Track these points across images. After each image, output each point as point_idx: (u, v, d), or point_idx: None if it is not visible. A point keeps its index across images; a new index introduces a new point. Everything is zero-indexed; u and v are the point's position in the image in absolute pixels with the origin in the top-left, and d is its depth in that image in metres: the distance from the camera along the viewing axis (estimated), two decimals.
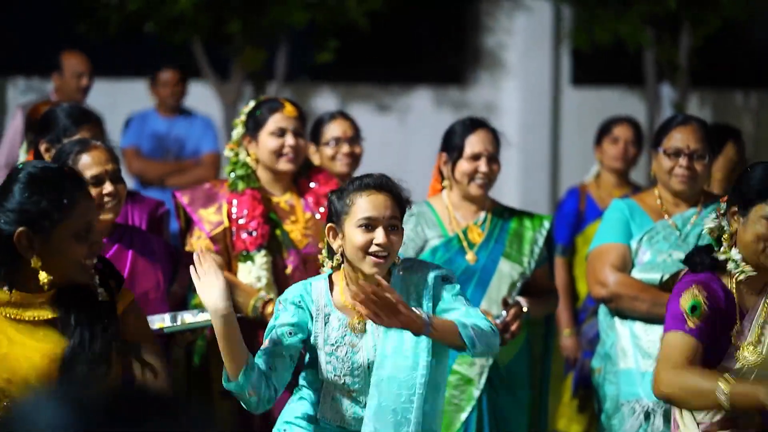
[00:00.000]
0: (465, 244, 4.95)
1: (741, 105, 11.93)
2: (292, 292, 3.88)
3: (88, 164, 4.37)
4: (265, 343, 3.82)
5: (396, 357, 3.81)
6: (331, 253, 3.92)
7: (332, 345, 3.84)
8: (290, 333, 3.81)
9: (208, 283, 3.70)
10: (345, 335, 3.84)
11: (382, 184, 3.85)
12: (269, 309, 4.93)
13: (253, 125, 5.07)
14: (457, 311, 3.80)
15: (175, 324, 4.37)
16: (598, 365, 5.04)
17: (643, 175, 9.97)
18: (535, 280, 5.02)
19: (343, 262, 3.88)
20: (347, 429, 3.88)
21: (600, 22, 10.50)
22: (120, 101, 8.90)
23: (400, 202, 3.86)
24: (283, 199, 5.12)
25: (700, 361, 3.76)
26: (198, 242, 5.01)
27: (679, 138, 4.85)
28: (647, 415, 4.79)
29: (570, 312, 6.60)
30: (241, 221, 5.01)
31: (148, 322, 3.83)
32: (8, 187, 3.37)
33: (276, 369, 3.76)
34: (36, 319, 3.41)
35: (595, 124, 7.34)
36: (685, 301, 3.82)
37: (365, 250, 3.80)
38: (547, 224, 5.07)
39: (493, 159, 4.95)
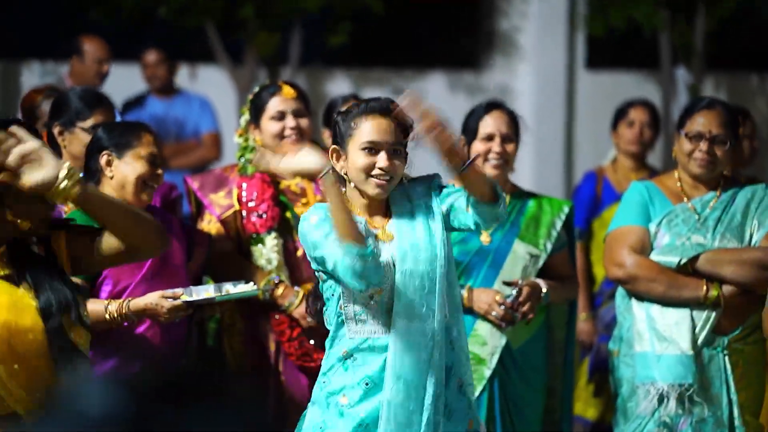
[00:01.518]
0: None
1: (756, 87, 11.87)
2: (317, 208, 3.90)
3: (150, 142, 4.52)
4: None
5: (415, 251, 3.87)
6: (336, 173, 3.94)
7: None
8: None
9: (299, 154, 3.84)
10: (368, 236, 3.86)
11: (386, 108, 3.89)
12: (279, 291, 4.94)
13: (255, 112, 5.09)
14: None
15: (221, 293, 4.42)
16: (615, 348, 5.04)
17: (660, 159, 9.94)
18: (555, 265, 5.02)
19: (347, 182, 3.92)
20: (378, 337, 3.88)
21: (615, 6, 10.45)
22: (133, 86, 8.89)
23: (404, 128, 3.90)
24: (294, 182, 5.13)
25: None
26: (208, 226, 5.03)
27: (701, 122, 4.83)
28: (661, 399, 4.78)
29: (586, 296, 6.58)
30: (251, 204, 5.02)
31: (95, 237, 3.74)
32: None
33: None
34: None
35: (610, 108, 7.31)
36: None
37: (368, 172, 3.86)
38: (566, 209, 5.07)
39: (508, 139, 4.96)
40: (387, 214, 3.97)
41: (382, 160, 3.85)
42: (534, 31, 11.33)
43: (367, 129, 3.86)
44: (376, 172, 3.85)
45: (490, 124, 4.96)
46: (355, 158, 3.87)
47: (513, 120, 5.03)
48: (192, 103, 8.62)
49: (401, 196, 3.97)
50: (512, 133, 4.99)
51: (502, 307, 4.82)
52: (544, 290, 4.87)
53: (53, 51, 10.15)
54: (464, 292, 4.83)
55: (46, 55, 10.27)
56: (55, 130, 4.80)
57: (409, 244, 3.88)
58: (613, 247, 4.90)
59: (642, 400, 4.82)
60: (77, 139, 4.75)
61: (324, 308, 3.99)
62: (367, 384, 3.87)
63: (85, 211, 3.29)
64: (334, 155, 3.92)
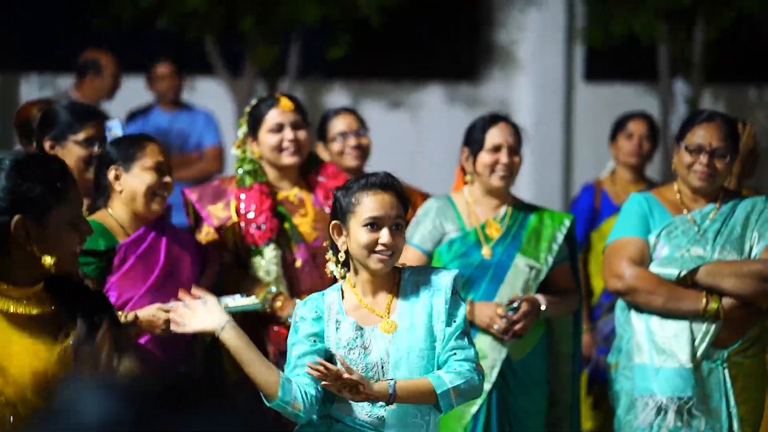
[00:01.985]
0: (482, 238, 4.96)
1: (755, 100, 11.88)
2: (308, 305, 3.90)
3: (154, 151, 4.59)
4: (291, 358, 3.85)
5: (410, 358, 3.83)
6: (335, 250, 3.92)
7: (344, 348, 3.85)
8: (314, 341, 3.84)
9: (193, 315, 3.88)
10: (356, 338, 3.85)
11: (387, 183, 3.87)
12: (278, 303, 4.94)
13: (253, 124, 5.09)
14: (452, 358, 3.83)
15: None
16: (614, 360, 5.03)
17: (659, 171, 9.94)
18: (556, 278, 5.02)
19: (347, 259, 3.90)
20: (365, 427, 3.88)
21: (614, 17, 10.47)
22: (133, 98, 8.89)
23: (403, 201, 3.89)
24: (292, 193, 5.12)
25: None
26: (205, 238, 5.03)
27: (701, 135, 4.82)
28: (659, 411, 4.77)
29: (585, 308, 6.58)
30: (250, 215, 5.02)
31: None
32: None
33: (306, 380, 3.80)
34: (27, 313, 3.26)
35: (608, 120, 7.31)
36: None
37: (371, 249, 3.82)
38: (567, 222, 5.07)
39: (514, 151, 4.98)
40: (394, 294, 3.91)
41: (384, 236, 3.82)
42: (532, 43, 11.34)
43: (369, 205, 3.84)
44: (378, 248, 3.82)
45: (497, 135, 4.96)
46: (358, 234, 3.83)
47: (517, 132, 5.04)
48: (196, 117, 8.63)
49: (413, 288, 3.90)
50: (517, 145, 5.01)
51: (504, 320, 4.81)
52: (543, 307, 4.87)
53: (52, 63, 10.16)
54: (466, 306, 4.82)
55: (45, 67, 10.27)
56: (46, 144, 4.76)
57: (407, 352, 3.84)
58: (612, 259, 4.89)
59: (641, 412, 4.81)
60: (70, 153, 4.71)
61: None
62: None
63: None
64: (335, 231, 3.89)
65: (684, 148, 4.85)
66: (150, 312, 4.37)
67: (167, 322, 4.34)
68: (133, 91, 8.72)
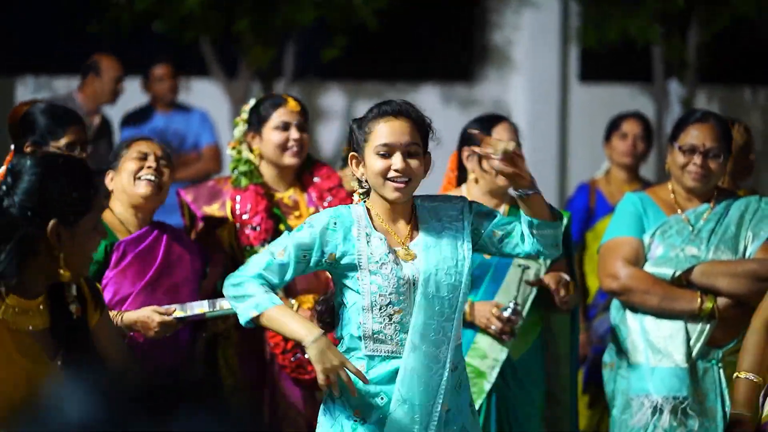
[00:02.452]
0: None
1: (749, 101, 11.90)
2: (331, 215, 3.88)
3: (140, 145, 4.66)
4: (279, 252, 3.85)
5: (439, 276, 3.86)
6: (359, 182, 3.95)
7: (377, 263, 3.84)
8: (304, 256, 3.84)
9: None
10: (389, 253, 3.85)
11: (400, 110, 3.87)
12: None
13: (257, 121, 5.09)
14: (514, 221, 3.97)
15: (214, 309, 4.42)
16: (610, 360, 5.04)
17: (653, 171, 9.95)
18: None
19: (369, 189, 3.92)
20: (396, 356, 3.87)
21: (608, 19, 10.48)
22: (130, 99, 8.89)
23: (421, 127, 3.88)
24: (287, 195, 5.13)
25: None
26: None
27: (695, 135, 4.83)
28: (655, 411, 4.78)
29: (580, 308, 6.59)
30: (245, 216, 5.03)
31: (118, 332, 3.82)
32: (22, 178, 3.11)
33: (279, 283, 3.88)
34: (27, 329, 3.17)
35: (603, 121, 7.33)
36: None
37: (384, 176, 3.83)
38: (564, 220, 5.07)
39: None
40: (413, 224, 3.94)
41: (397, 162, 3.82)
42: (527, 44, 11.35)
43: (381, 132, 3.84)
44: (392, 174, 3.83)
45: (503, 135, 4.95)
46: (372, 163, 3.84)
47: (517, 132, 5.06)
48: (192, 117, 8.64)
49: (430, 213, 3.94)
50: (519, 145, 5.01)
51: (499, 319, 4.83)
52: (568, 278, 4.92)
53: (48, 65, 10.16)
54: (466, 307, 4.85)
55: (41, 69, 10.28)
56: (27, 149, 4.70)
57: (435, 268, 3.87)
58: (607, 259, 4.90)
59: (636, 412, 4.82)
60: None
61: (335, 317, 3.97)
62: (382, 399, 3.87)
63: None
64: (353, 162, 3.91)
65: (678, 149, 4.86)
66: (144, 314, 4.38)
67: (161, 324, 4.35)
68: (130, 93, 8.73)
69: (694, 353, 4.78)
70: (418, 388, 3.82)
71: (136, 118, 8.59)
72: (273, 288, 3.86)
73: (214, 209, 5.09)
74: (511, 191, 3.93)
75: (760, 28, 11.27)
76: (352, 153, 3.91)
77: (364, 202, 3.94)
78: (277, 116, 5.06)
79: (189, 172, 8.37)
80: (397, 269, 3.85)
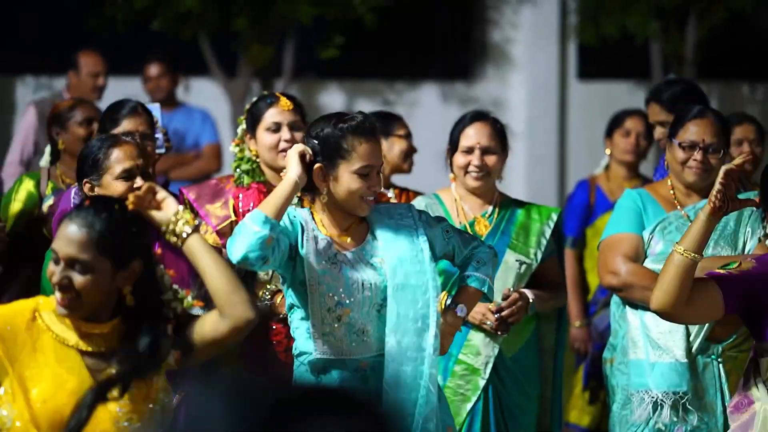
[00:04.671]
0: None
1: (747, 97, 11.92)
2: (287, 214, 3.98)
3: (120, 158, 4.47)
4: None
5: (404, 264, 3.92)
6: (312, 192, 3.96)
7: (327, 262, 3.92)
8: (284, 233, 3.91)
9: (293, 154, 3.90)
10: (337, 254, 3.94)
11: (375, 128, 3.97)
12: (277, 300, 4.96)
13: (251, 121, 5.09)
14: (463, 255, 4.08)
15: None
16: (610, 356, 5.05)
17: (653, 168, 9.97)
18: (543, 273, 5.02)
19: (325, 200, 3.95)
20: (348, 358, 3.93)
21: (606, 16, 10.49)
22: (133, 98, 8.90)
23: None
24: None
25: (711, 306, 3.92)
26: (207, 236, 5.04)
27: (694, 131, 4.84)
28: (655, 406, 4.80)
29: (580, 304, 6.61)
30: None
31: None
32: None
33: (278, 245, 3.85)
34: (97, 351, 3.32)
35: (602, 118, 7.34)
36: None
37: (361, 195, 3.90)
38: (555, 216, 5.08)
39: (488, 151, 4.96)
40: (365, 227, 4.03)
41: (375, 181, 3.91)
42: (526, 41, 11.37)
43: (364, 153, 3.89)
44: (368, 193, 3.91)
45: (470, 136, 4.95)
46: (350, 181, 3.89)
47: (496, 131, 5.01)
48: (193, 116, 8.64)
49: (382, 213, 4.02)
50: (495, 144, 4.97)
51: (496, 315, 4.84)
52: (531, 299, 4.89)
53: (47, 65, 10.17)
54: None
55: (40, 69, 10.29)
56: (86, 187, 4.80)
57: (398, 259, 3.91)
58: (607, 255, 4.91)
59: (636, 407, 4.84)
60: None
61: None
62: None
63: (189, 257, 3.42)
64: (320, 173, 3.93)
65: (677, 145, 4.87)
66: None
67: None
68: (131, 93, 8.74)
69: (693, 348, 4.80)
70: (403, 379, 3.86)
71: None
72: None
73: (216, 207, 5.10)
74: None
75: (758, 24, 11.28)
76: (318, 165, 3.92)
77: (309, 208, 4.02)
78: (269, 117, 5.04)
79: (190, 171, 8.38)
80: (345, 269, 3.91)
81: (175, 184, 7.73)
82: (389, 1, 10.07)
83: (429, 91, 11.17)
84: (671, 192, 4.96)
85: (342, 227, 4.00)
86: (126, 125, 5.10)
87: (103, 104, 8.16)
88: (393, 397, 3.85)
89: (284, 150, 5.02)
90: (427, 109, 11.11)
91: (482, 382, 4.91)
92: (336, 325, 3.92)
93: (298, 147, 3.96)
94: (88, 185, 4.50)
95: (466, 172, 4.96)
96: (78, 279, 3.23)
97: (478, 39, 11.46)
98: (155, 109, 5.19)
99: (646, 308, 4.84)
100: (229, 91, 9.94)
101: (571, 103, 11.52)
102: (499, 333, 4.87)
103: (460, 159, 4.97)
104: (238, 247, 3.76)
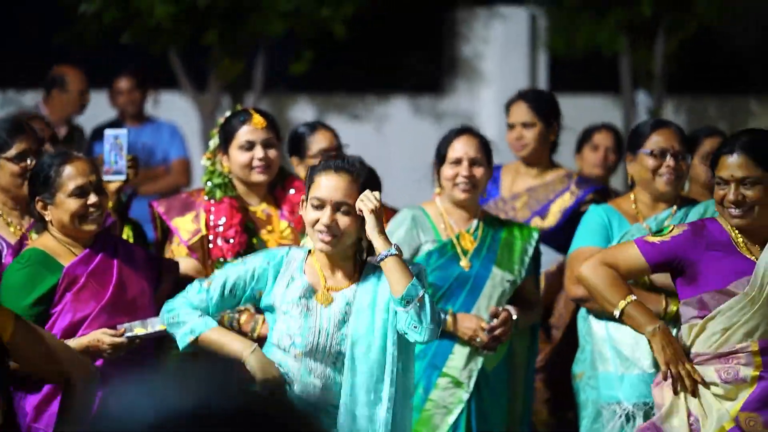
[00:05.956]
0: (459, 250, 5.00)
1: (716, 111, 11.98)
2: (263, 254, 4.19)
3: (71, 175, 4.40)
4: (207, 283, 4.16)
5: (368, 337, 4.00)
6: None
7: (288, 303, 4.05)
8: (231, 291, 4.14)
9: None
10: (302, 298, 4.04)
11: (343, 166, 4.04)
12: (243, 317, 4.93)
13: (224, 138, 5.06)
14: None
15: (147, 330, 4.37)
16: (579, 371, 5.06)
17: (622, 182, 10.00)
18: (523, 290, 5.10)
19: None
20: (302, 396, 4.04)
21: (576, 29, 10.54)
22: (98, 113, 8.87)
23: (362, 186, 4.04)
24: (260, 209, 5.11)
25: (635, 271, 4.24)
26: (177, 248, 5.01)
27: (662, 139, 4.91)
28: (628, 418, 4.80)
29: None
30: (219, 229, 5.01)
31: (40, 337, 3.81)
32: None
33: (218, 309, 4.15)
34: None
35: (572, 132, 7.36)
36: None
37: (312, 227, 4.03)
38: (536, 235, 5.15)
39: (476, 163, 5.02)
40: (354, 279, 4.11)
41: (324, 216, 4.00)
42: (496, 56, 11.40)
43: (318, 184, 4.04)
44: (319, 227, 4.00)
45: (458, 148, 5.01)
46: (307, 211, 4.06)
47: (483, 144, 5.09)
48: (162, 130, 8.61)
49: (374, 270, 4.09)
50: (482, 157, 5.05)
51: (486, 332, 4.91)
52: (515, 316, 4.95)
53: (16, 80, 10.12)
54: (448, 317, 4.93)
55: (8, 84, 10.24)
56: None
57: (365, 330, 4.01)
58: (573, 267, 4.93)
59: (608, 421, 4.85)
60: (2, 171, 4.64)
61: None
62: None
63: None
64: (303, 205, 4.12)
65: (648, 154, 4.90)
66: (94, 337, 4.31)
67: (111, 345, 4.31)
68: (98, 107, 8.70)
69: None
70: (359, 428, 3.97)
71: (104, 132, 8.55)
72: (208, 313, 4.15)
73: (186, 220, 5.06)
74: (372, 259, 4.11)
75: (726, 39, 11.35)
76: (303, 197, 4.13)
77: (309, 247, 4.17)
78: (242, 135, 5.00)
79: (158, 185, 8.35)
80: (305, 314, 4.03)
81: (144, 199, 7.71)
82: (358, 15, 10.07)
83: (399, 104, 11.19)
84: (633, 206, 4.99)
85: (330, 267, 4.13)
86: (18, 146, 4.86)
87: (85, 123, 8.16)
88: None
89: (258, 167, 5.01)
90: (397, 122, 11.12)
91: (465, 396, 4.98)
92: (289, 359, 4.08)
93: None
94: (40, 203, 4.43)
95: (454, 184, 5.00)
96: None
97: (449, 53, 11.48)
98: (123, 135, 5.08)
99: (611, 319, 4.85)
100: (199, 106, 9.92)
101: None
102: (487, 351, 4.93)
103: (448, 171, 5.01)
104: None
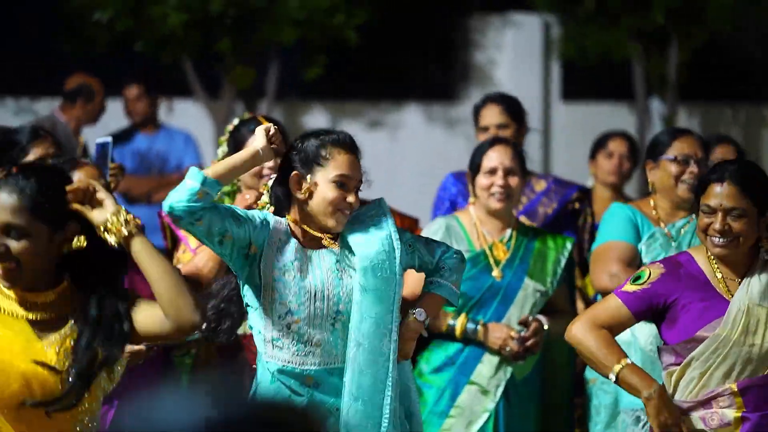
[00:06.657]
0: (491, 260, 5.00)
1: (730, 119, 11.96)
2: (262, 212, 3.96)
3: (37, 152, 4.49)
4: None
5: (374, 270, 3.88)
6: (278, 201, 3.97)
7: (281, 269, 3.88)
8: (238, 219, 3.84)
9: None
10: (295, 261, 3.89)
11: (355, 146, 3.97)
12: None
13: (233, 146, 5.06)
14: (431, 265, 4.01)
15: None
16: (592, 376, 5.04)
17: (636, 189, 9.99)
18: (555, 299, 5.09)
19: (299, 209, 3.93)
20: (296, 369, 3.90)
21: (589, 36, 10.53)
22: (111, 122, 8.88)
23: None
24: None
25: (622, 323, 4.09)
26: (183, 256, 5.01)
27: (686, 146, 4.92)
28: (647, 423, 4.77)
29: None
30: None
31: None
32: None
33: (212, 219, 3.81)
34: (48, 318, 3.32)
35: (585, 139, 7.35)
36: (639, 270, 4.12)
37: (336, 206, 3.87)
38: (569, 246, 5.14)
39: (511, 172, 5.03)
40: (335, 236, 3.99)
41: (352, 196, 3.90)
42: (509, 63, 11.39)
43: (342, 162, 3.89)
44: (344, 206, 3.88)
45: (493, 158, 5.03)
46: (325, 189, 3.88)
47: (517, 154, 5.10)
48: (175, 138, 8.63)
49: (352, 221, 3.97)
50: (516, 166, 5.05)
51: (516, 342, 4.92)
52: (546, 327, 4.94)
53: (28, 88, 10.14)
54: (479, 327, 4.93)
55: (21, 92, 10.26)
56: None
57: (370, 262, 3.89)
58: (602, 259, 4.91)
59: (628, 427, 4.81)
60: None
61: (227, 326, 4.06)
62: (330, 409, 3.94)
63: (134, 258, 3.34)
64: (295, 181, 3.92)
65: (671, 160, 4.90)
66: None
67: (132, 353, 4.30)
68: (111, 115, 8.72)
69: None
70: (366, 384, 3.85)
71: (118, 139, 8.57)
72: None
73: None
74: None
75: (739, 46, 11.33)
76: (295, 172, 3.91)
77: (285, 216, 3.98)
78: (251, 143, 5.02)
79: None
80: (300, 278, 3.88)
81: (154, 208, 7.71)
82: (371, 22, 10.08)
83: (412, 112, 11.18)
84: (654, 212, 4.97)
85: (315, 236, 3.98)
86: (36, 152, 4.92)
87: (93, 129, 8.17)
88: (354, 408, 3.85)
89: (267, 175, 5.00)
90: (410, 130, 11.11)
91: (491, 405, 4.98)
92: (284, 333, 3.89)
93: (265, 125, 3.99)
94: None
95: (490, 194, 5.01)
96: (15, 245, 3.23)
97: (462, 60, 11.48)
98: (108, 144, 5.09)
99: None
100: (213, 113, 9.93)
101: (555, 124, 11.54)
102: (516, 360, 4.93)
103: (483, 180, 5.03)
104: (168, 199, 3.76)
